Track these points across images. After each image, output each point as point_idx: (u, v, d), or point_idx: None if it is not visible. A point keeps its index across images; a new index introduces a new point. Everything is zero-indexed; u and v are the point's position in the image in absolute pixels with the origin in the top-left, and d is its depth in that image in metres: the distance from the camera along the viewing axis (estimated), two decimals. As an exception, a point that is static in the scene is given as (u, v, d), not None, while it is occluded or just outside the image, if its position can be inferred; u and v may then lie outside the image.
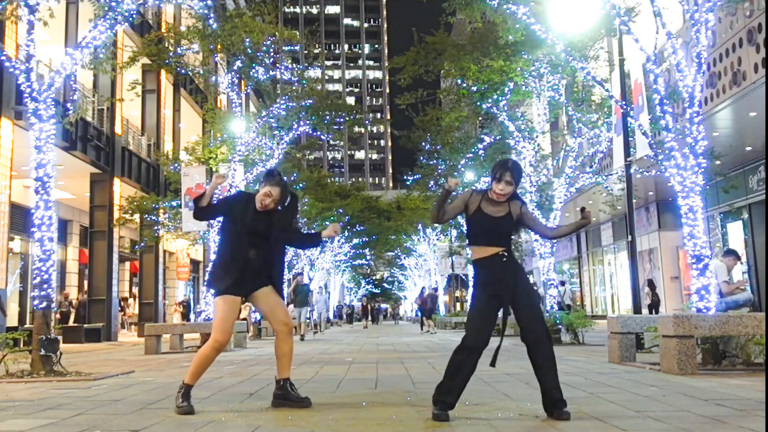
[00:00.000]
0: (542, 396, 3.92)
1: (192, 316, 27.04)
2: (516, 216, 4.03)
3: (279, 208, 4.54)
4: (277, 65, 14.73)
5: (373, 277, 75.35)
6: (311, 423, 3.92)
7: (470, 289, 4.31)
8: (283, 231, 4.58)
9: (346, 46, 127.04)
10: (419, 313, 27.30)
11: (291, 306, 22.45)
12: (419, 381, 6.09)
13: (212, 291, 4.58)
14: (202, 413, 4.38)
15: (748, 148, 15.67)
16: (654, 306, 20.64)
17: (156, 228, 17.85)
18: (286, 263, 18.79)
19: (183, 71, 15.78)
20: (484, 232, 4.00)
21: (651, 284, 21.46)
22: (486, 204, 4.03)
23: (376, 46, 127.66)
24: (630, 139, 9.90)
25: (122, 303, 23.77)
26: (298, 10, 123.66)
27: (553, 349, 3.92)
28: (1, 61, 7.89)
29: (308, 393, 4.80)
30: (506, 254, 3.98)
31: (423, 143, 18.98)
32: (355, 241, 38.10)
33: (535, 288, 19.04)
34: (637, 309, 9.96)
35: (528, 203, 12.88)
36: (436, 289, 27.85)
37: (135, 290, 25.77)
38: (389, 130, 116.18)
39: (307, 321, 21.00)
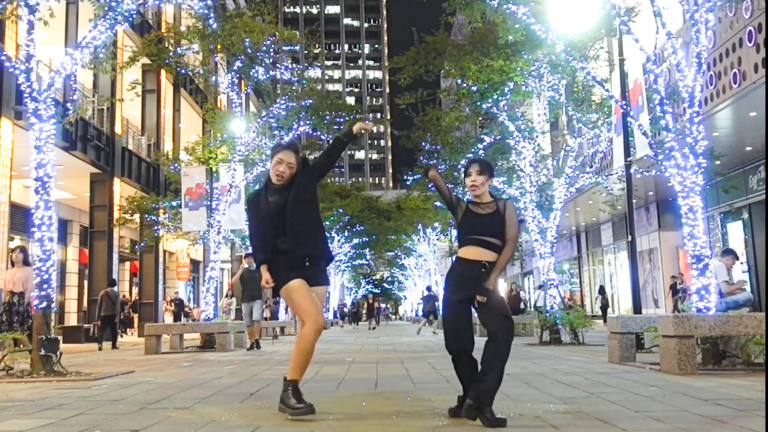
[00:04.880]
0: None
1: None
2: (502, 211, 3.98)
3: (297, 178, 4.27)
4: (277, 65, 14.70)
5: (373, 277, 75.31)
6: (311, 423, 3.92)
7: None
8: (305, 202, 4.27)
9: (346, 46, 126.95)
10: (423, 314, 27.63)
11: (232, 300, 20.15)
12: (419, 381, 6.09)
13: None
14: (202, 413, 4.38)
15: (748, 148, 15.67)
16: (604, 308, 25.60)
17: (156, 228, 17.83)
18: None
19: (183, 71, 15.76)
20: (474, 233, 3.95)
21: (602, 290, 26.64)
22: (474, 206, 4.04)
23: (376, 46, 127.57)
24: (630, 139, 9.89)
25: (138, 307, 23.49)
26: (298, 10, 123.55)
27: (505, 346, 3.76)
28: (1, 61, 7.89)
29: (308, 393, 4.79)
30: (487, 266, 3.88)
31: (423, 143, 18.93)
32: (355, 241, 38.05)
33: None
34: (637, 309, 9.96)
35: (528, 203, 13.06)
36: (375, 296, 31.28)
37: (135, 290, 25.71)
38: (389, 130, 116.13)
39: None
